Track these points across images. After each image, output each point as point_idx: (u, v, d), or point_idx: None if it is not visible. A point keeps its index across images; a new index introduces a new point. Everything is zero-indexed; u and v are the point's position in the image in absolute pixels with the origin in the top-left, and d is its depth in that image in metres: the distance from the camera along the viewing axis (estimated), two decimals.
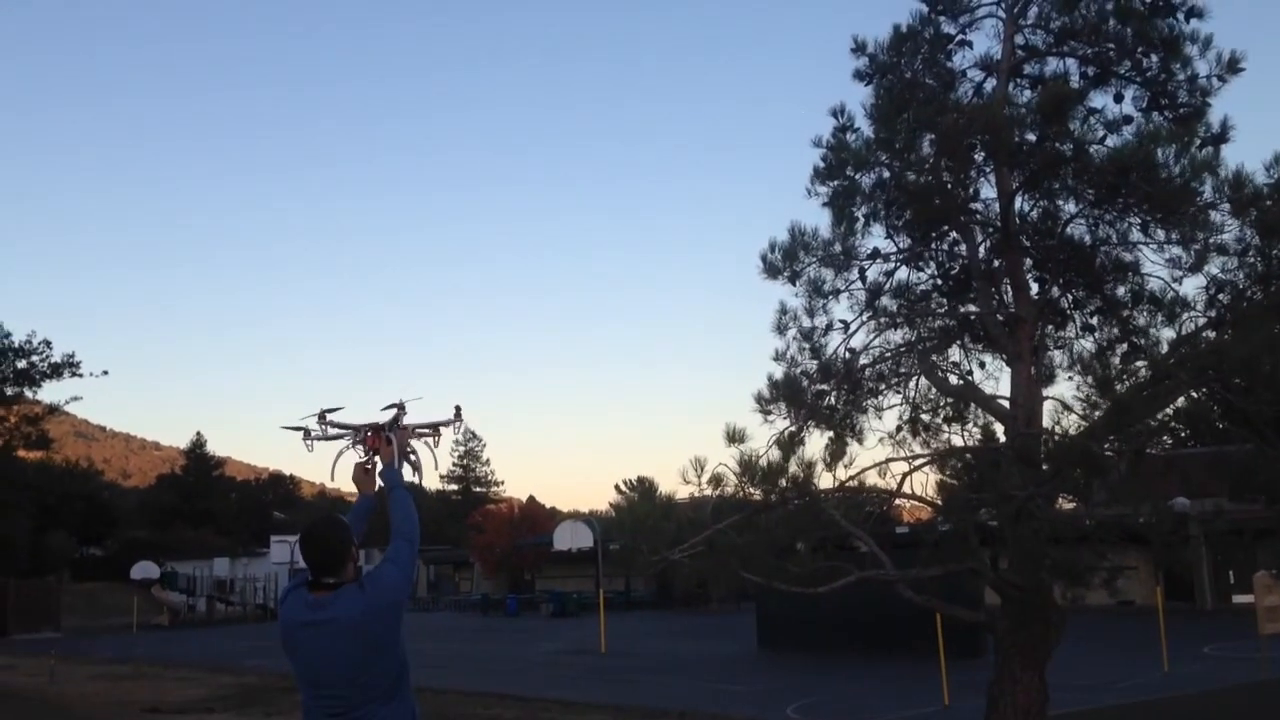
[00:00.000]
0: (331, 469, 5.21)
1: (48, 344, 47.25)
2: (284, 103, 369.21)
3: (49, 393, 52.39)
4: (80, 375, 47.88)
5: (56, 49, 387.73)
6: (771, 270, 9.33)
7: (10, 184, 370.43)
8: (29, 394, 48.03)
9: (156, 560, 54.55)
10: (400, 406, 5.16)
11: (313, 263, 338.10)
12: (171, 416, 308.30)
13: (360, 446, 5.10)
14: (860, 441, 9.59)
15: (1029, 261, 9.32)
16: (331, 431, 5.23)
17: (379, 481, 4.95)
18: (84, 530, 71.41)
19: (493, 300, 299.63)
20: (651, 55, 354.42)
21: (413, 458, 5.15)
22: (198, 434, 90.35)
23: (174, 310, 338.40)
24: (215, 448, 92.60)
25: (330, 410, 5.24)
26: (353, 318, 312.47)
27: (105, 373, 56.19)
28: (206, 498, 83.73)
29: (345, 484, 5.15)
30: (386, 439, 5.00)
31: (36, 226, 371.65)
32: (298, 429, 5.25)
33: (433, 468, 5.28)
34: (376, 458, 4.99)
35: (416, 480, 5.18)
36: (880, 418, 9.76)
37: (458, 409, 5.35)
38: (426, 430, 5.27)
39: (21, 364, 46.68)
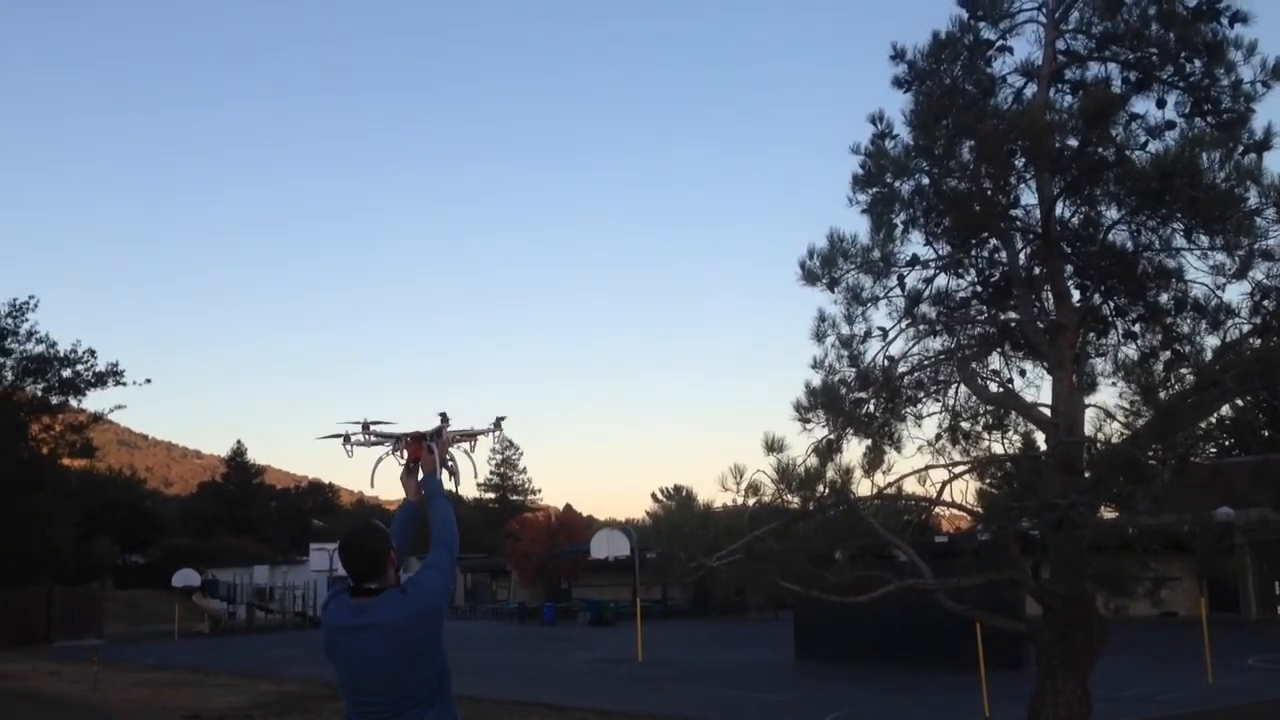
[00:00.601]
0: (370, 475, 5.23)
1: (92, 353, 47.71)
2: (317, 114, 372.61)
3: (93, 401, 53.06)
4: (124, 384, 48.31)
5: (105, 56, 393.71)
6: (810, 276, 9.32)
7: (54, 193, 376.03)
8: (74, 402, 48.59)
9: (198, 568, 55.06)
10: (444, 417, 5.18)
11: (351, 272, 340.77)
12: (212, 425, 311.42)
13: (401, 454, 5.11)
14: (899, 449, 9.56)
15: (1070, 268, 9.27)
16: (372, 438, 5.25)
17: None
18: (127, 538, 72.14)
19: (529, 308, 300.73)
20: (718, 59, 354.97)
21: (450, 464, 5.16)
22: (238, 442, 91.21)
23: (215, 319, 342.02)
24: (255, 456, 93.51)
25: (374, 422, 5.27)
26: (391, 326, 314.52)
27: (148, 381, 56.44)
28: (247, 506, 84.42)
29: (383, 491, 5.17)
30: (428, 448, 5.01)
31: (82, 237, 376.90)
32: (338, 435, 5.27)
33: (471, 475, 5.29)
34: (417, 465, 5.02)
35: (454, 487, 5.18)
36: (919, 425, 9.72)
37: (498, 420, 5.37)
38: (465, 438, 5.29)
39: (67, 373, 47.18)
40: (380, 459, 5.21)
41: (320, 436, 5.30)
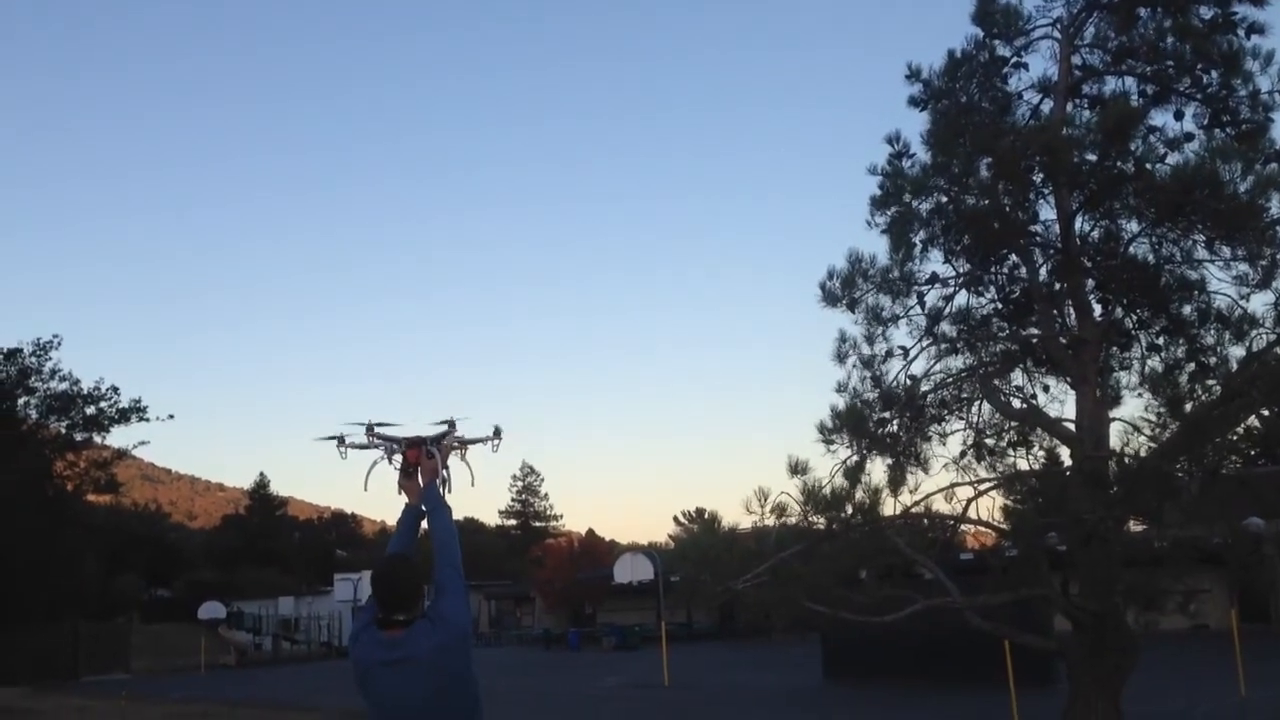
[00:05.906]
0: (365, 479, 5.10)
1: (115, 390, 48.02)
2: (323, 128, 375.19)
3: (117, 437, 53.23)
4: (147, 420, 48.58)
5: (118, 64, 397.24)
6: (830, 298, 9.34)
7: (77, 239, 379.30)
8: (97, 439, 48.81)
9: (223, 600, 55.12)
10: (451, 424, 5.05)
11: (366, 296, 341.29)
12: (235, 458, 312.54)
13: (398, 459, 4.98)
14: (924, 469, 9.55)
15: (1091, 283, 9.25)
16: (374, 441, 5.10)
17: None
18: (152, 572, 72.34)
19: (548, 332, 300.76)
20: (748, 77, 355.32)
21: (444, 473, 5.03)
22: (261, 474, 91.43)
23: (236, 352, 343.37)
24: (278, 488, 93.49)
25: (379, 424, 5.13)
26: (409, 350, 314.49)
27: (171, 417, 56.97)
28: (270, 537, 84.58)
29: (379, 496, 4.99)
30: (427, 453, 4.89)
31: (103, 275, 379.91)
32: (332, 437, 5.14)
33: (469, 484, 5.16)
34: (415, 470, 4.89)
35: (445, 494, 5.05)
36: (944, 443, 9.72)
37: (497, 429, 5.26)
38: (459, 446, 5.14)
39: (90, 410, 47.45)
40: (375, 463, 5.08)
41: (317, 438, 5.19)
